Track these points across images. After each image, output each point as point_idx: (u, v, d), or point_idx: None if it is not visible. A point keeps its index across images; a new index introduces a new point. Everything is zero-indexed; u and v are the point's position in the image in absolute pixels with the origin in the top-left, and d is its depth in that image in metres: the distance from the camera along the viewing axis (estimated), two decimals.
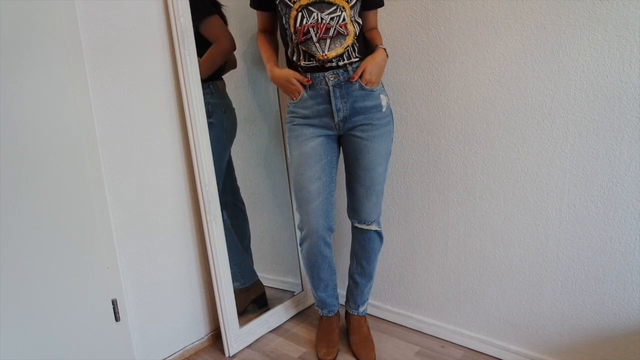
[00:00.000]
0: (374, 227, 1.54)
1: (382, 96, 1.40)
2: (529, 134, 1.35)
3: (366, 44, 1.43)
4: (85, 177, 1.30)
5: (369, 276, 1.62)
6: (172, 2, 1.42)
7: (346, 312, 1.72)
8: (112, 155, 1.38)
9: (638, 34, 1.13)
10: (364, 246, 1.57)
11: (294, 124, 1.45)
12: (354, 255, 1.62)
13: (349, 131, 1.42)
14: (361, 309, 1.67)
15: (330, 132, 1.43)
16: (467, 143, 1.49)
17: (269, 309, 1.83)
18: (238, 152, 1.84)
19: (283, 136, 1.89)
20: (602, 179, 1.26)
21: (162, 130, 1.50)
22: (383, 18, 1.59)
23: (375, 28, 1.52)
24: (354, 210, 1.53)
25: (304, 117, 1.43)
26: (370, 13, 1.48)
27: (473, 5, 1.38)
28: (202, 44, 1.56)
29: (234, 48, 1.66)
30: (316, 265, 1.54)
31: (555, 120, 1.30)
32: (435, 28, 1.48)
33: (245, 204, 1.85)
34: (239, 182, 1.85)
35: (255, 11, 1.50)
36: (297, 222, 1.57)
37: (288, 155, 1.50)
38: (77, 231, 1.30)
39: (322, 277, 1.58)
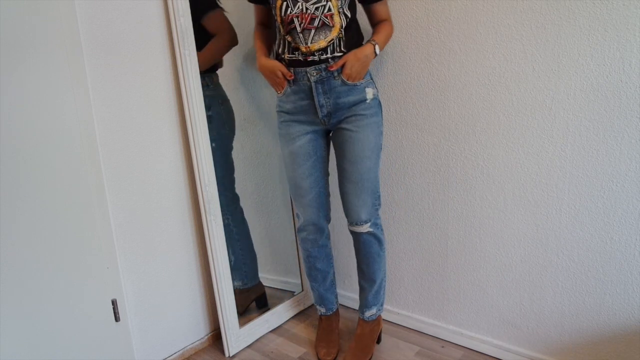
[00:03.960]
0: (365, 229, 1.46)
1: (367, 89, 1.37)
2: (529, 134, 1.35)
3: (358, 38, 1.38)
4: (85, 177, 1.30)
5: (371, 280, 1.54)
6: (172, 2, 1.42)
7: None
8: (112, 155, 1.38)
9: (638, 34, 1.13)
10: (360, 250, 1.52)
11: (282, 121, 1.45)
12: (356, 258, 1.57)
13: (336, 125, 1.41)
14: (367, 314, 1.59)
15: (317, 128, 1.42)
16: (467, 143, 1.49)
17: (268, 309, 1.83)
18: (238, 152, 1.84)
19: None
20: (602, 179, 1.26)
21: (162, 130, 1.50)
22: None
23: (385, 20, 1.42)
24: (346, 210, 1.47)
25: (289, 112, 1.42)
26: (374, 6, 1.40)
27: (473, 5, 1.38)
28: (201, 37, 1.56)
29: (236, 42, 1.66)
30: (313, 255, 1.56)
31: (555, 120, 1.30)
32: (435, 28, 1.48)
33: (242, 210, 1.84)
34: (240, 183, 1.84)
35: (252, 6, 1.50)
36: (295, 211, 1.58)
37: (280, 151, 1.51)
38: (77, 231, 1.30)
39: (319, 268, 1.59)
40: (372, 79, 1.41)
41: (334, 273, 1.67)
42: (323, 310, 1.68)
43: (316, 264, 1.59)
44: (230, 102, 1.76)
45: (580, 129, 1.26)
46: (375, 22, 1.43)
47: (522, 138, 1.37)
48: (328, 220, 1.55)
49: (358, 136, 1.37)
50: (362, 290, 1.59)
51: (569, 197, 1.32)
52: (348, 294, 1.99)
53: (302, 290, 1.98)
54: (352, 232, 1.51)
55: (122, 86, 1.38)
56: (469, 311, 1.61)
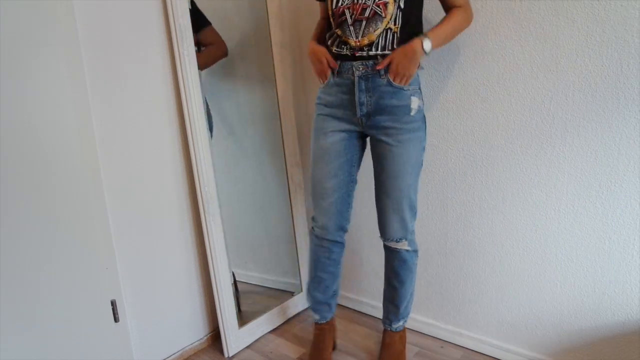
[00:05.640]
0: (403, 246, 1.41)
1: (413, 98, 1.27)
2: (527, 134, 1.36)
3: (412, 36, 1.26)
4: (84, 177, 1.30)
5: (403, 297, 1.48)
6: (171, 3, 1.42)
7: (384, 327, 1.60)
8: (111, 156, 1.38)
9: (636, 35, 1.13)
10: (395, 267, 1.45)
11: (318, 114, 1.38)
12: (385, 276, 1.51)
13: (373, 130, 1.32)
14: (395, 326, 1.54)
15: (352, 127, 1.34)
16: (465, 144, 1.49)
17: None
18: (238, 152, 1.84)
19: (282, 137, 1.89)
20: (600, 179, 1.26)
21: (160, 130, 1.50)
22: None
23: (459, 7, 1.26)
24: (381, 225, 1.41)
25: (328, 104, 1.35)
26: None
27: (471, 5, 1.37)
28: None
29: (227, 54, 1.75)
30: (321, 262, 1.48)
31: (553, 121, 1.30)
32: None
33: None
34: (239, 183, 1.85)
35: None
36: (311, 214, 1.49)
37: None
38: (76, 232, 1.29)
39: (323, 278, 1.51)
40: (419, 89, 1.32)
41: (337, 287, 1.57)
42: (317, 317, 1.59)
43: (322, 274, 1.51)
44: (227, 103, 1.76)
45: (579, 129, 1.26)
46: (447, 8, 1.29)
47: (521, 138, 1.37)
48: (345, 230, 1.47)
49: (399, 151, 1.29)
50: (392, 306, 1.52)
51: (568, 197, 1.32)
52: (352, 295, 1.99)
53: (302, 290, 1.98)
54: (388, 249, 1.46)
55: (121, 86, 1.38)
56: (468, 311, 1.62)
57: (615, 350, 1.32)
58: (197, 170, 1.52)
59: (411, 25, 1.25)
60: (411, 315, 1.77)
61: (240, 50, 1.83)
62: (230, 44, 1.79)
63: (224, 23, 1.78)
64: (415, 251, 1.45)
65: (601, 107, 1.22)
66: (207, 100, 1.70)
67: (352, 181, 1.42)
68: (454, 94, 1.48)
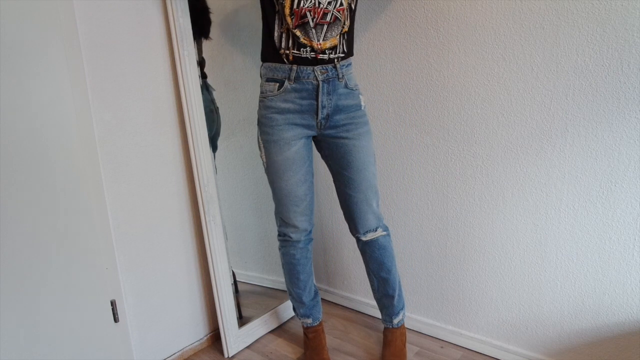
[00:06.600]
0: (379, 233, 1.45)
1: (361, 96, 1.39)
2: (527, 134, 1.36)
3: (353, 40, 1.36)
4: (84, 178, 1.30)
5: (393, 285, 1.50)
6: (171, 3, 1.42)
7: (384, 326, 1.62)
8: (111, 156, 1.38)
9: (637, 35, 1.13)
10: (377, 259, 1.47)
11: (273, 125, 1.36)
12: (371, 272, 1.52)
13: (332, 130, 1.36)
14: (395, 321, 1.55)
15: (309, 132, 1.37)
16: (466, 143, 1.49)
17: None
18: (238, 152, 1.84)
19: None
20: (600, 180, 1.26)
21: (161, 130, 1.50)
22: (382, 19, 1.59)
23: None
24: (356, 221, 1.44)
25: (283, 111, 1.33)
26: None
27: (472, 5, 1.38)
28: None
29: None
30: (301, 264, 1.51)
31: (554, 121, 1.30)
32: (434, 29, 1.48)
33: None
34: (239, 183, 1.84)
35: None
36: (277, 224, 1.50)
37: (264, 158, 1.41)
38: (76, 232, 1.29)
39: (304, 279, 1.54)
40: (359, 88, 1.41)
41: (315, 285, 1.62)
42: (309, 321, 1.60)
43: (302, 275, 1.54)
44: (230, 102, 1.76)
45: (579, 129, 1.26)
46: None
47: (521, 138, 1.37)
48: (314, 225, 1.52)
49: (360, 144, 1.38)
50: (386, 299, 1.54)
51: (568, 198, 1.32)
52: (352, 295, 1.99)
53: None
54: (364, 242, 1.47)
55: (121, 87, 1.38)
56: (468, 311, 1.62)
57: (615, 350, 1.32)
58: (197, 170, 1.52)
59: (353, 30, 1.35)
60: (411, 315, 1.77)
61: (240, 49, 1.82)
62: (230, 42, 1.79)
63: (224, 21, 1.78)
64: (389, 234, 1.49)
65: (601, 106, 1.22)
66: (215, 102, 1.69)
67: (313, 179, 1.47)
68: (454, 94, 1.48)
